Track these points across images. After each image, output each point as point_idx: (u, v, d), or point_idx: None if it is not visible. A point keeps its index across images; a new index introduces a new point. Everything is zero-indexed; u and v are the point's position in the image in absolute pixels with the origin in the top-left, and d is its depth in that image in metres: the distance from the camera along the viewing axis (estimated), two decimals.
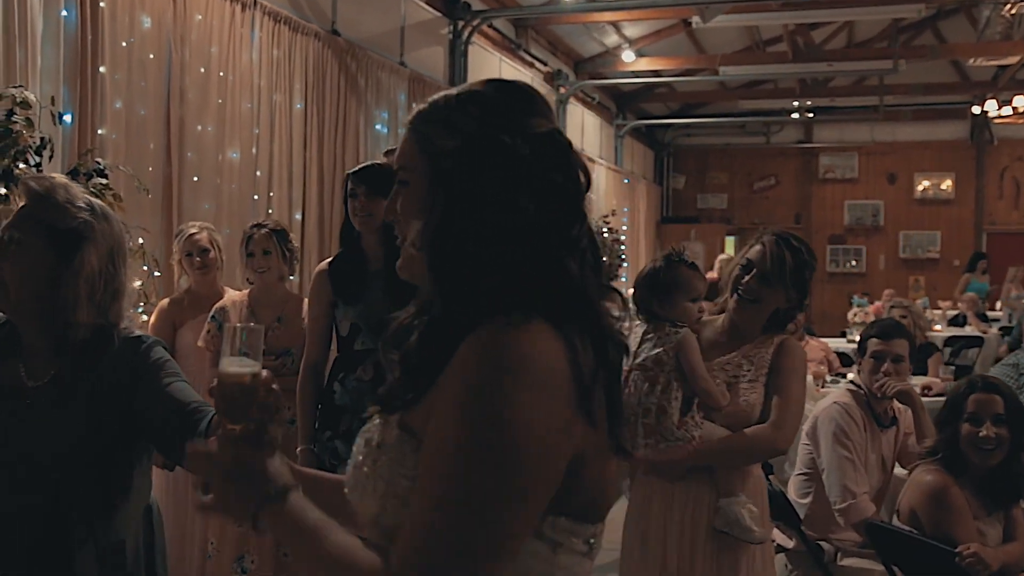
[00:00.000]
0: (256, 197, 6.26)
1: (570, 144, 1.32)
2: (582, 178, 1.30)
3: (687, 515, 2.76)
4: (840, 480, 3.47)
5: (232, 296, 4.28)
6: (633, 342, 2.79)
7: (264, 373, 1.29)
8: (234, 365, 1.29)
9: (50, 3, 4.66)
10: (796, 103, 15.03)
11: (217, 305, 4.16)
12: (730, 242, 16.50)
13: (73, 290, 1.89)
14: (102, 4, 4.94)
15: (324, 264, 3.63)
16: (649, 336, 2.81)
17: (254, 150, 6.22)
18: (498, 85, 1.33)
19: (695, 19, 10.56)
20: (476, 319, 1.20)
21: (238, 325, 1.33)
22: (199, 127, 5.74)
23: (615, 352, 1.29)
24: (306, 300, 4.44)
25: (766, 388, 2.82)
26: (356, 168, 3.55)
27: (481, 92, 1.32)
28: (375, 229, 3.43)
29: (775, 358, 2.84)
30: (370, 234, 3.47)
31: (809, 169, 16.94)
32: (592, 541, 1.26)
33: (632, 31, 12.34)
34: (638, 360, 2.77)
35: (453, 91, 1.34)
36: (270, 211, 6.37)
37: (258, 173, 6.28)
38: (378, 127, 7.74)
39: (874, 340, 3.76)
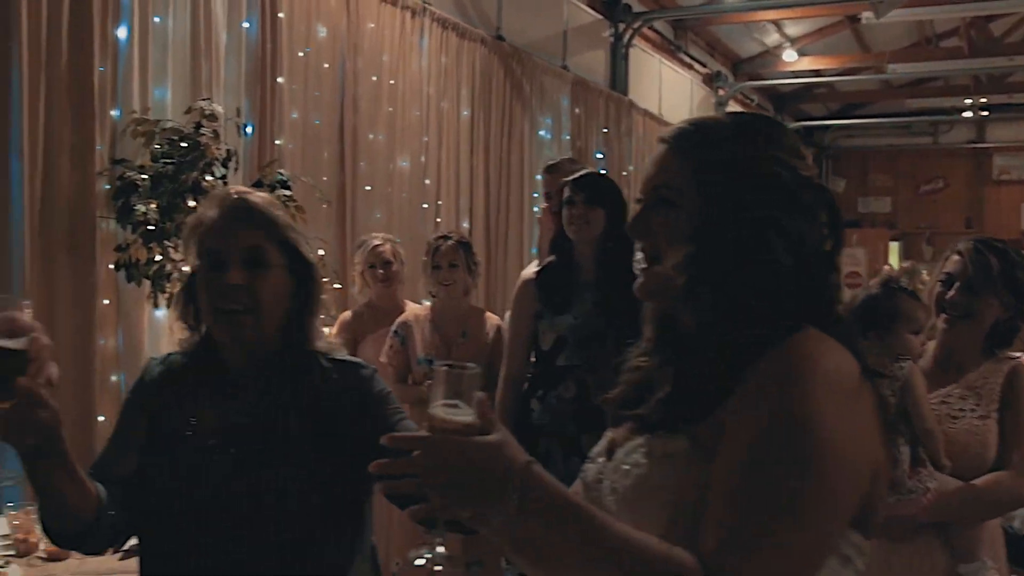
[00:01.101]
0: (425, 205, 6.19)
1: (829, 190, 1.34)
2: (839, 214, 1.32)
3: None
4: None
5: (414, 310, 4.17)
6: None
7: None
8: (447, 411, 1.14)
9: (233, 15, 4.67)
10: (969, 100, 14.18)
11: (399, 320, 4.06)
12: (894, 248, 15.78)
13: (313, 315, 1.75)
14: (281, 14, 4.93)
15: (530, 272, 3.46)
16: None
17: (423, 158, 6.15)
18: (766, 120, 1.36)
19: (865, 15, 10.04)
20: (763, 336, 1.21)
21: (455, 368, 1.16)
22: (371, 136, 5.69)
23: (869, 372, 1.27)
24: (488, 313, 4.30)
25: (1000, 425, 2.46)
26: (575, 175, 3.37)
27: (753, 124, 1.34)
28: (591, 239, 3.25)
29: (1008, 388, 2.47)
30: (584, 244, 3.28)
31: (982, 170, 15.98)
32: (866, 560, 1.25)
33: (794, 29, 11.87)
34: None
35: (722, 118, 1.37)
36: (438, 219, 6.29)
37: (427, 181, 6.21)
38: (542, 133, 7.60)
39: None
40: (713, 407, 1.22)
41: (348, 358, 1.84)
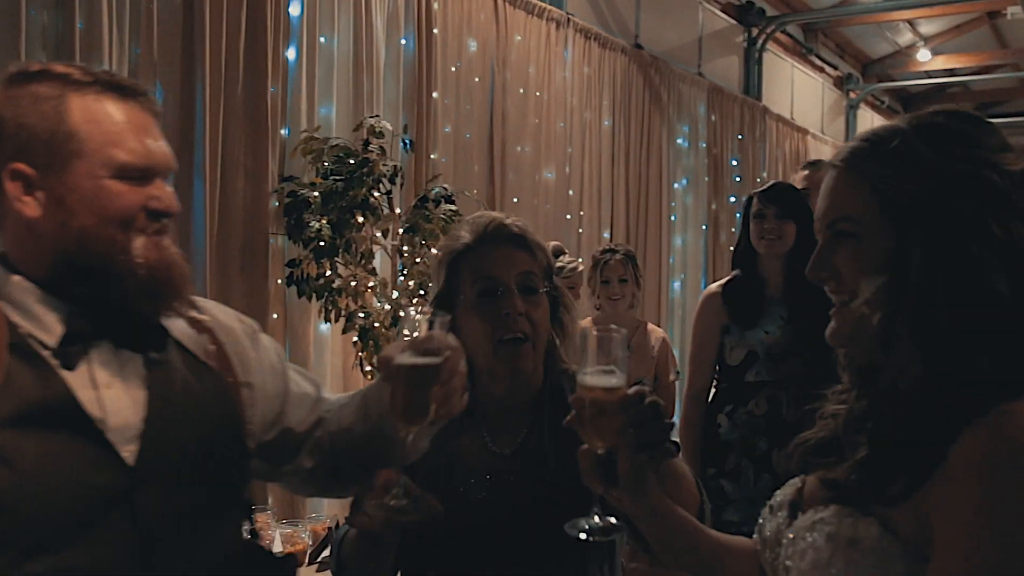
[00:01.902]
0: (568, 216, 6.18)
1: None
2: None
3: None
4: None
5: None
6: None
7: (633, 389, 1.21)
8: (597, 377, 1.22)
9: (392, 32, 4.75)
10: None
11: None
12: None
13: (568, 338, 1.75)
14: (435, 30, 4.99)
15: (716, 287, 3.41)
16: None
17: (567, 169, 6.14)
18: (953, 114, 1.16)
19: (1011, 10, 9.64)
20: (979, 395, 1.02)
21: (601, 330, 1.22)
22: (518, 148, 5.71)
23: None
24: (651, 325, 4.25)
25: None
26: (764, 187, 3.32)
27: (939, 124, 1.15)
28: (781, 253, 3.19)
29: None
30: (773, 258, 3.22)
31: None
32: None
33: (928, 28, 11.47)
34: None
35: (898, 124, 1.17)
36: (580, 230, 6.28)
37: (570, 192, 6.20)
38: (680, 141, 7.51)
39: None
40: (913, 489, 1.05)
41: None
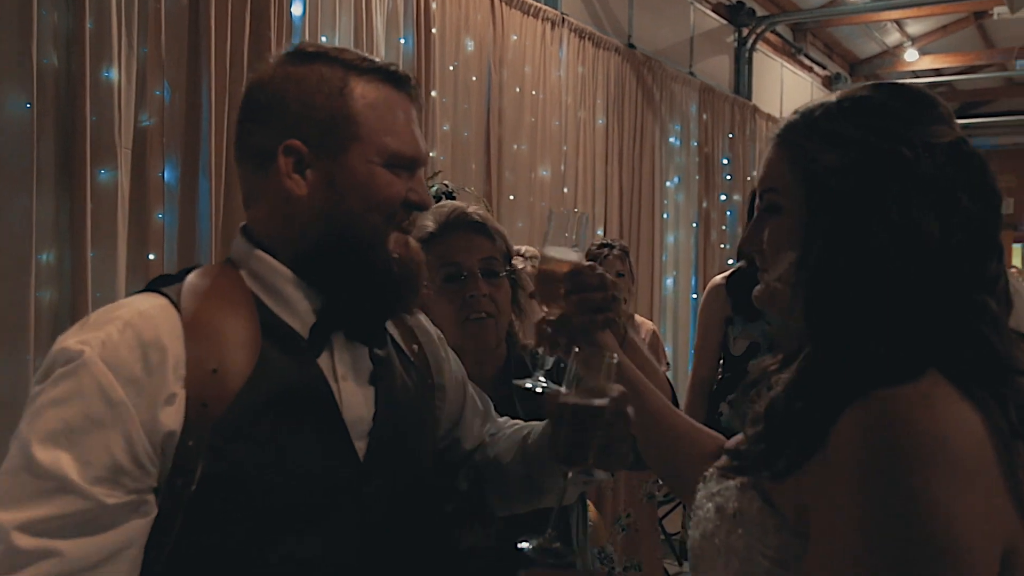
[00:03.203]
0: None
1: (981, 157, 1.08)
2: (998, 200, 1.08)
3: None
4: None
5: None
6: None
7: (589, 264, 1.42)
8: (560, 252, 1.39)
9: (391, 31, 4.81)
10: None
11: None
12: (1017, 250, 15.22)
13: (527, 317, 1.93)
14: (434, 29, 5.05)
15: (720, 278, 3.50)
16: None
17: (562, 167, 6.21)
18: (889, 89, 1.12)
19: (998, 10, 9.76)
20: (865, 377, 0.98)
21: (565, 210, 1.31)
22: (515, 146, 5.78)
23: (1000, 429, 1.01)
24: (639, 317, 4.33)
25: None
26: None
27: (870, 97, 1.11)
28: None
29: None
30: None
31: None
32: None
33: (916, 28, 11.60)
34: None
35: (832, 98, 1.14)
36: None
37: (565, 190, 6.27)
38: (672, 140, 7.59)
39: None
40: (796, 466, 1.03)
41: None
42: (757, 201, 1.19)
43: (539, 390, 1.42)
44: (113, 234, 3.37)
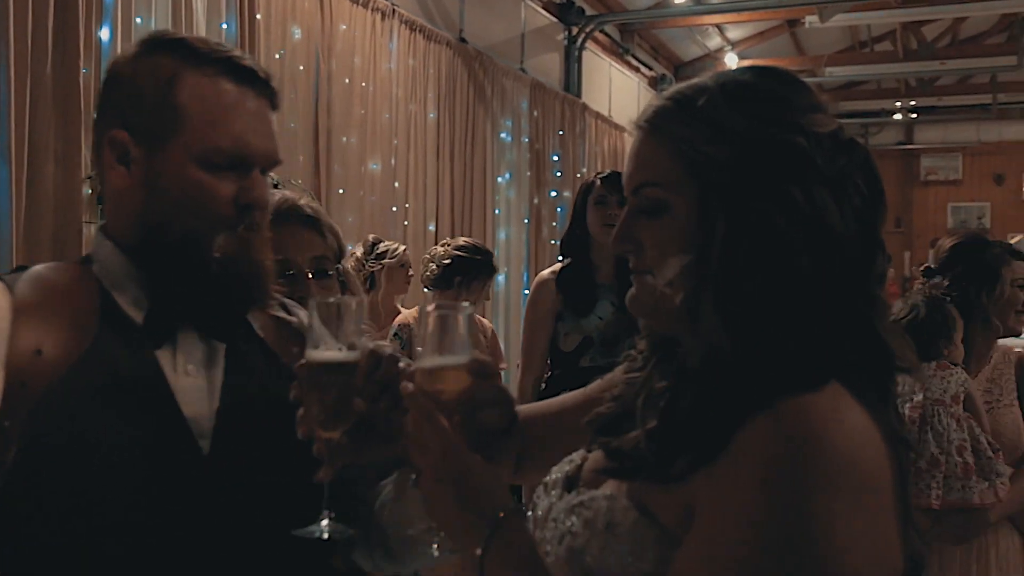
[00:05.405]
0: (395, 208, 6.17)
1: (865, 146, 1.04)
2: (883, 190, 1.04)
3: None
4: None
5: (411, 313, 4.17)
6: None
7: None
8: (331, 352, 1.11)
9: (212, 16, 4.61)
10: (899, 103, 14.60)
11: (398, 322, 4.06)
12: None
13: None
14: (258, 16, 4.87)
15: (548, 273, 3.47)
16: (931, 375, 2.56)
17: (393, 161, 6.13)
18: (762, 71, 1.06)
19: (809, 19, 10.26)
20: (773, 381, 0.94)
21: (331, 300, 1.14)
22: (344, 139, 5.66)
23: (900, 425, 1.00)
24: (477, 316, 4.32)
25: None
26: (605, 173, 3.38)
27: (750, 83, 1.04)
28: None
29: (1022, 377, 2.63)
30: (607, 245, 3.31)
31: (910, 171, 16.44)
32: None
33: (735, 33, 12.08)
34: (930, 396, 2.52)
35: (705, 82, 1.05)
36: (406, 223, 6.28)
37: (396, 184, 6.19)
38: (503, 135, 7.62)
39: None
40: (694, 470, 0.96)
41: None
42: (628, 197, 1.09)
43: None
44: None
